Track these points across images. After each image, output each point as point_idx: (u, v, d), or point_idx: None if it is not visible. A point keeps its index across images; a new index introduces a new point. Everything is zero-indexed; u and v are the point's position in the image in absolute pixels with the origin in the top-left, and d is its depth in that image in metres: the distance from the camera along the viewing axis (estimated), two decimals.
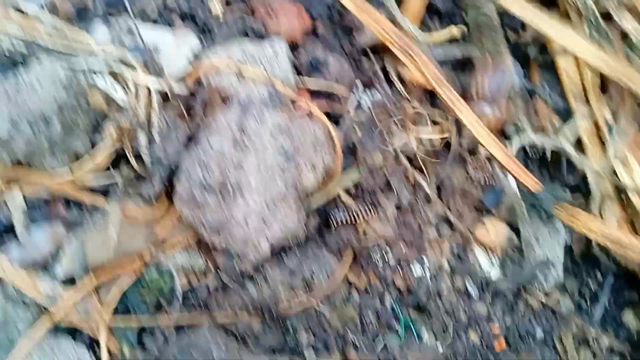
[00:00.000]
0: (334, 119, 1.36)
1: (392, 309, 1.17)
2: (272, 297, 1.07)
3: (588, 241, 1.37)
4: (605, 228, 1.21)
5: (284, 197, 1.11)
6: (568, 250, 1.34)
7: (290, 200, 1.12)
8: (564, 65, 1.43)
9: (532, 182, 1.26)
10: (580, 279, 1.35)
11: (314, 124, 1.19)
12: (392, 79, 1.37)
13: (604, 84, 1.39)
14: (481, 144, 1.28)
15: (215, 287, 1.10)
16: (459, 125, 1.41)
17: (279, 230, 1.10)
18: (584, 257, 1.38)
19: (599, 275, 1.36)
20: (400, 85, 1.36)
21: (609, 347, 1.27)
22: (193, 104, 1.20)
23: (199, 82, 1.22)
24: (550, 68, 1.47)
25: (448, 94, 1.28)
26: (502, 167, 1.28)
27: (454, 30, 1.45)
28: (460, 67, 1.47)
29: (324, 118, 1.20)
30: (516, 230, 1.32)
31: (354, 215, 1.21)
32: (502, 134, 1.39)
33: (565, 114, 1.45)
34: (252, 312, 1.05)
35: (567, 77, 1.42)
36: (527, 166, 1.42)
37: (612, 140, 1.30)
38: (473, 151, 1.41)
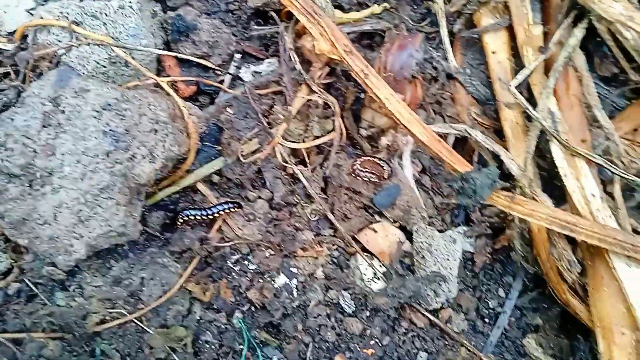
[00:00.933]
0: (210, 95, 1.16)
1: (240, 328, 0.99)
2: (81, 311, 0.88)
3: (495, 250, 1.20)
4: (551, 211, 1.01)
5: (108, 188, 0.91)
6: (468, 262, 1.16)
7: (116, 192, 0.92)
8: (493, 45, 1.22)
9: (462, 164, 1.06)
10: (479, 295, 1.17)
11: (158, 102, 0.98)
12: (286, 50, 1.14)
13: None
14: (397, 122, 1.06)
15: (15, 293, 0.91)
16: (357, 109, 1.22)
17: (99, 230, 0.91)
18: (487, 269, 1.20)
19: (501, 292, 1.19)
20: (296, 57, 1.14)
21: None
22: (17, 66, 0.99)
23: (24, 39, 1.00)
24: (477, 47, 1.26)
25: (359, 65, 1.06)
26: (425, 148, 1.07)
27: (376, 8, 1.24)
28: (369, 45, 1.26)
29: (172, 92, 0.99)
30: (410, 236, 1.14)
31: (209, 213, 1.02)
32: None
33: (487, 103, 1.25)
34: (50, 329, 0.87)
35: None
36: None
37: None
38: (373, 139, 1.22)
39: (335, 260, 1.11)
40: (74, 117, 0.91)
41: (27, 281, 0.92)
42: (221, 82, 1.15)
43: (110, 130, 0.92)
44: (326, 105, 1.16)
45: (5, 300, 0.90)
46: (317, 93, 1.13)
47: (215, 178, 1.09)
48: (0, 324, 0.88)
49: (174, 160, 0.99)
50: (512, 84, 1.13)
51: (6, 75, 1.02)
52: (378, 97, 1.07)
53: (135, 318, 0.91)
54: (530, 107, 1.10)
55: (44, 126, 0.90)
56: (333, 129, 1.13)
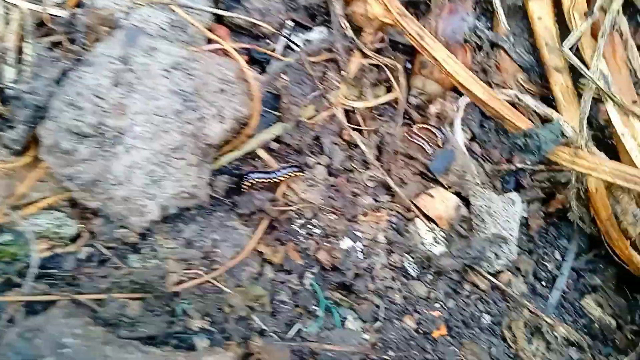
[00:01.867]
0: (261, 63, 1.15)
1: (313, 288, 0.98)
2: (159, 271, 0.86)
3: (549, 214, 1.20)
4: (616, 164, 1.01)
5: (180, 148, 0.90)
6: (523, 226, 1.16)
7: (187, 153, 0.90)
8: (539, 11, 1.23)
9: (523, 121, 1.06)
10: (536, 258, 1.17)
11: (225, 63, 0.97)
12: (337, 16, 1.14)
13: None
14: (456, 82, 1.06)
15: (87, 258, 0.88)
16: (409, 77, 1.21)
17: (172, 190, 0.89)
18: (542, 233, 1.20)
19: (557, 255, 1.19)
20: (347, 24, 1.14)
21: (565, 338, 1.10)
22: (74, 32, 0.97)
23: (80, 4, 0.98)
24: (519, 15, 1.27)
25: (414, 27, 1.06)
26: (485, 107, 1.07)
27: None
28: (414, 14, 1.26)
29: (237, 56, 0.98)
30: (466, 201, 1.14)
31: (273, 177, 1.01)
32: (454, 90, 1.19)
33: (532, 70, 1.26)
34: (130, 289, 0.84)
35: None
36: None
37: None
38: (422, 108, 1.22)
39: (394, 225, 1.10)
40: (143, 76, 0.89)
41: (97, 245, 0.89)
42: (273, 50, 1.13)
43: (180, 89, 0.90)
44: (378, 71, 1.16)
45: (77, 265, 0.87)
46: (370, 57, 1.13)
47: (274, 145, 1.08)
48: (74, 287, 0.85)
49: (240, 121, 0.97)
50: (565, 45, 1.14)
51: (56, 44, 1.00)
52: (435, 59, 1.07)
53: (212, 278, 0.89)
54: (584, 68, 1.11)
55: (114, 85, 0.88)
56: (389, 91, 1.13)
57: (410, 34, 1.07)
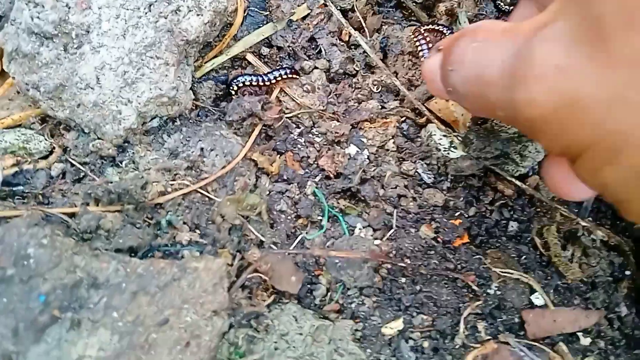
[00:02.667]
0: None
1: (315, 197, 0.88)
2: (139, 181, 0.77)
3: None
4: None
5: (154, 45, 0.80)
6: None
7: (163, 51, 0.81)
8: None
9: None
10: None
11: None
12: None
13: None
14: None
15: (60, 174, 0.80)
16: None
17: (148, 93, 0.80)
18: None
19: None
20: None
21: (603, 241, 0.98)
22: None
23: None
24: None
25: None
26: None
27: None
28: None
29: None
30: None
31: (264, 79, 0.91)
32: None
33: None
34: (107, 201, 0.75)
35: None
36: None
37: None
38: (429, 8, 1.10)
39: (405, 132, 0.99)
40: None
41: (72, 161, 0.81)
42: None
43: None
44: None
45: (49, 182, 0.79)
46: None
47: (265, 50, 0.97)
48: (45, 205, 0.77)
49: (222, 16, 0.87)
50: None
51: None
52: None
53: (200, 188, 0.80)
54: None
55: None
56: None
57: None
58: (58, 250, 0.66)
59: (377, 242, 0.86)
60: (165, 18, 0.80)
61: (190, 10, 0.82)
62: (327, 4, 0.97)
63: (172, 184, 0.79)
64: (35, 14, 0.76)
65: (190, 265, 0.69)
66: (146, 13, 0.79)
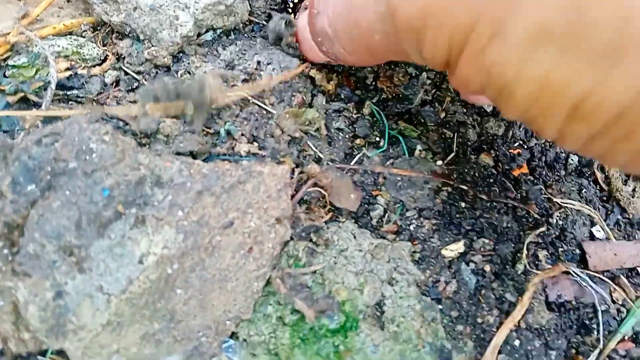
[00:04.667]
0: None
1: (373, 117, 0.85)
2: (198, 83, 0.74)
3: None
4: None
5: None
6: None
7: None
8: None
9: None
10: None
11: None
12: None
13: None
14: None
15: (114, 82, 0.77)
16: None
17: (206, 0, 0.77)
18: None
19: None
20: None
21: None
22: None
23: None
24: None
25: None
26: None
27: None
28: None
29: None
30: None
31: None
32: None
33: None
34: (165, 99, 0.72)
35: None
36: None
37: None
38: None
39: None
40: None
41: (125, 69, 0.78)
42: None
43: None
44: None
45: (103, 89, 0.76)
46: None
47: None
48: (101, 107, 0.74)
49: None
50: None
51: None
52: None
53: (257, 100, 0.77)
54: None
55: None
56: None
57: None
58: (121, 147, 0.63)
59: (438, 163, 0.83)
60: None
61: None
62: None
63: (229, 95, 0.76)
64: None
65: (255, 169, 0.67)
66: None
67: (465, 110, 0.91)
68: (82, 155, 0.62)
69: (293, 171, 0.74)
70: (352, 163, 0.80)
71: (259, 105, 0.77)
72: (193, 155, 0.71)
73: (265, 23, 0.87)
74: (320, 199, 0.76)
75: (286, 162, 0.73)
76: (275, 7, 0.88)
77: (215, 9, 0.78)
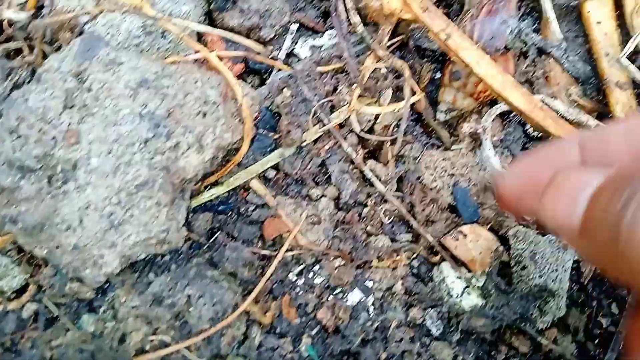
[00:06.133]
0: (260, 74, 0.97)
1: (309, 356, 0.80)
2: (116, 339, 0.69)
3: None
4: None
5: (147, 185, 0.73)
6: (572, 272, 0.95)
7: (156, 190, 0.73)
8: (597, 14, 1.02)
9: (572, 133, 0.88)
10: (588, 312, 0.96)
11: (207, 78, 0.79)
12: (342, 12, 0.95)
13: None
14: (492, 90, 0.88)
15: (32, 317, 0.72)
16: (432, 93, 1.02)
17: (136, 237, 0.73)
18: (596, 279, 0.99)
19: (614, 307, 0.97)
20: (358, 19, 0.95)
21: None
22: (32, 39, 0.81)
23: (40, 7, 0.82)
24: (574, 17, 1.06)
25: (439, 24, 0.88)
26: (525, 117, 0.89)
27: None
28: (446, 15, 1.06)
29: (224, 68, 0.80)
30: (505, 242, 0.94)
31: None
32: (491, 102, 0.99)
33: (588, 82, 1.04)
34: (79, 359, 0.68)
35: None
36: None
37: None
38: (451, 125, 1.02)
39: (415, 271, 0.91)
40: (103, 96, 0.72)
41: (45, 302, 0.73)
42: (274, 58, 0.95)
43: (148, 112, 0.73)
44: (397, 77, 0.97)
45: (19, 327, 0.72)
46: (383, 60, 0.93)
47: (271, 173, 0.90)
48: (13, 355, 0.69)
49: (225, 150, 0.80)
50: (624, 56, 0.93)
51: (18, 52, 0.84)
52: (463, 61, 0.87)
53: (184, 347, 0.72)
54: None
55: (65, 107, 0.71)
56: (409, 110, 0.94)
57: (434, 32, 0.88)
58: None
59: None
60: (162, 155, 0.73)
61: (189, 148, 0.75)
62: (343, 132, 0.89)
63: (151, 340, 0.71)
64: (17, 147, 0.70)
65: None
66: (141, 149, 0.72)
67: (411, 335, 0.86)
68: None
69: None
70: None
71: (182, 354, 0.72)
72: None
73: (206, 240, 0.83)
74: None
75: None
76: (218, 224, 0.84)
77: (146, 243, 0.74)
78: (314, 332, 0.82)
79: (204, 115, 0.77)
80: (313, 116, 0.90)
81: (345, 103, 0.92)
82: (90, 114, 0.71)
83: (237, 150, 0.84)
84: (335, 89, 0.93)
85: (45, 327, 0.72)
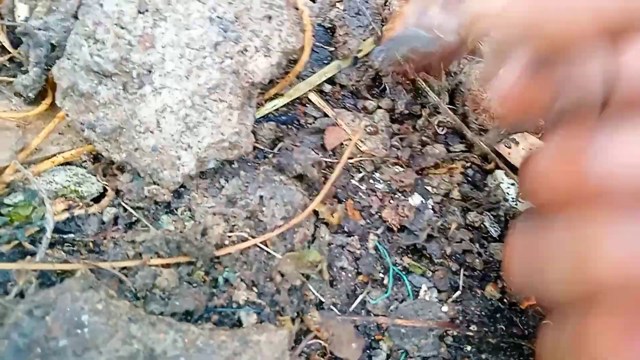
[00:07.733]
0: None
1: (377, 252, 0.83)
2: (198, 233, 0.72)
3: None
4: None
5: (219, 88, 0.75)
6: None
7: (228, 93, 0.76)
8: None
9: None
10: None
11: None
12: None
13: None
14: None
15: (112, 220, 0.75)
16: None
17: (210, 139, 0.75)
18: None
19: None
20: None
21: None
22: None
23: None
24: None
25: None
26: None
27: None
28: None
29: None
30: None
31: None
32: None
33: None
34: (164, 254, 0.71)
35: None
36: None
37: None
38: None
39: (470, 178, 0.93)
40: (174, 1, 0.74)
41: (125, 205, 0.76)
42: None
43: (217, 17, 0.75)
44: None
45: (100, 229, 0.74)
46: None
47: (327, 87, 0.92)
48: (96, 255, 0.72)
49: (289, 56, 0.82)
50: None
51: None
52: None
53: (260, 242, 0.75)
54: None
55: (139, 12, 0.73)
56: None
57: None
58: (114, 318, 0.61)
59: (444, 308, 0.80)
60: (232, 59, 0.75)
61: (257, 51, 0.76)
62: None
63: (229, 236, 0.74)
64: (95, 51, 0.72)
65: (252, 338, 0.64)
66: (211, 53, 0.74)
67: (471, 237, 0.89)
68: (74, 331, 0.59)
69: (293, 322, 0.72)
70: (354, 308, 0.77)
71: (260, 248, 0.75)
72: (189, 312, 0.69)
73: (270, 149, 0.85)
74: (321, 348, 0.74)
75: (286, 324, 0.70)
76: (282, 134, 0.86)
77: (219, 146, 0.76)
78: (379, 231, 0.84)
79: (270, 19, 0.78)
80: (367, 28, 0.91)
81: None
82: (163, 18, 0.73)
83: (296, 62, 0.85)
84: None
85: (127, 228, 0.75)
